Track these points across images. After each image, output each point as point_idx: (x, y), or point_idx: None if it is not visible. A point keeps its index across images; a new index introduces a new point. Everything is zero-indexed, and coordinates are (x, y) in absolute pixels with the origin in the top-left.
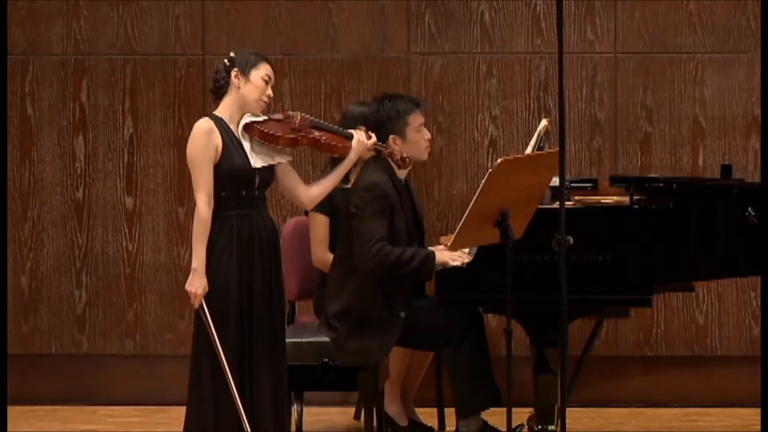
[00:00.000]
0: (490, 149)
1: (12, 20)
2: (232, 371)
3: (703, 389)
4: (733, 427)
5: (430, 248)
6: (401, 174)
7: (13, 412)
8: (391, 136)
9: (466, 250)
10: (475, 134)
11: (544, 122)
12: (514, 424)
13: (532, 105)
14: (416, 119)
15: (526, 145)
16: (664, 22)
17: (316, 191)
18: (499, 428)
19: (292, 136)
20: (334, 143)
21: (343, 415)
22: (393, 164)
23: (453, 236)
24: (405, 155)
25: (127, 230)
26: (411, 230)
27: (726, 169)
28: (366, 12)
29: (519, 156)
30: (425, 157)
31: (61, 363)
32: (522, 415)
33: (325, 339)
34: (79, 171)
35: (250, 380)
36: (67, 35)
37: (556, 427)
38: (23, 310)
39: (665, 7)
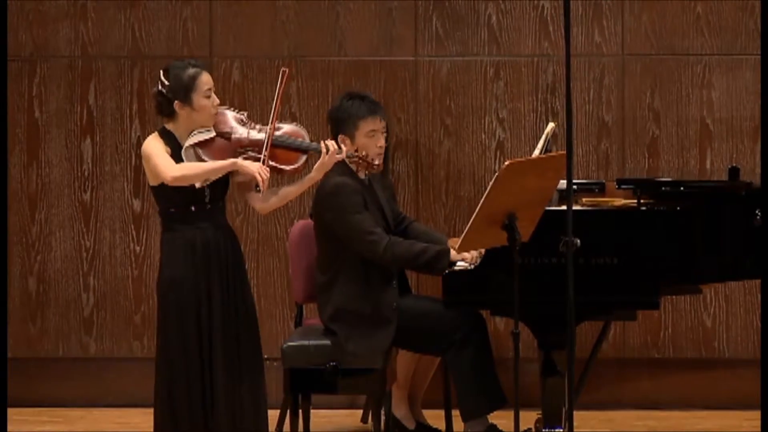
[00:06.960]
0: (498, 152)
1: (19, 23)
2: (192, 378)
3: (710, 392)
4: (740, 429)
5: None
6: (361, 173)
7: (20, 414)
8: (340, 136)
9: (476, 253)
10: (483, 137)
11: (551, 125)
12: (521, 427)
13: (539, 107)
14: (367, 125)
15: (534, 147)
16: (671, 24)
17: (273, 202)
18: (506, 431)
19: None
20: (280, 166)
21: (351, 418)
22: (363, 168)
23: (460, 239)
24: (376, 161)
25: (134, 233)
26: (385, 227)
27: (733, 172)
28: (373, 14)
29: (526, 159)
30: (377, 162)
31: (69, 366)
32: (529, 417)
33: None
34: (86, 173)
35: (211, 389)
36: (74, 37)
37: (564, 429)
38: (30, 312)
39: (672, 9)
